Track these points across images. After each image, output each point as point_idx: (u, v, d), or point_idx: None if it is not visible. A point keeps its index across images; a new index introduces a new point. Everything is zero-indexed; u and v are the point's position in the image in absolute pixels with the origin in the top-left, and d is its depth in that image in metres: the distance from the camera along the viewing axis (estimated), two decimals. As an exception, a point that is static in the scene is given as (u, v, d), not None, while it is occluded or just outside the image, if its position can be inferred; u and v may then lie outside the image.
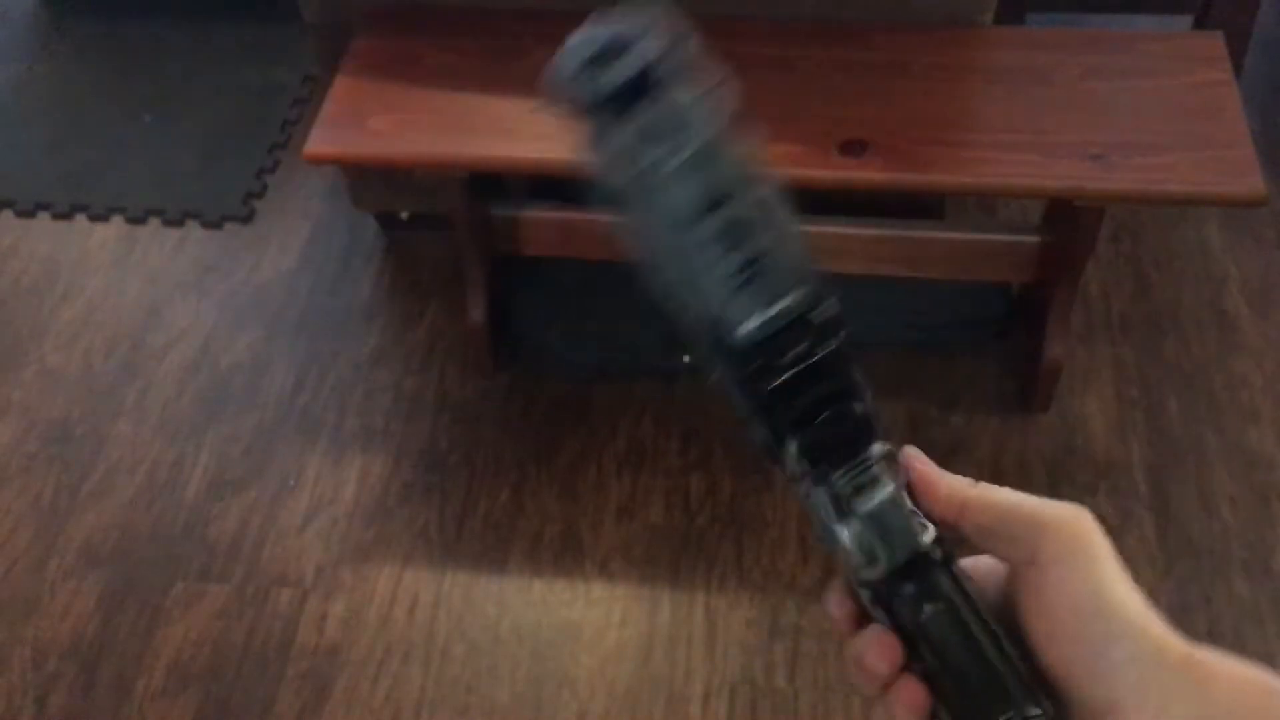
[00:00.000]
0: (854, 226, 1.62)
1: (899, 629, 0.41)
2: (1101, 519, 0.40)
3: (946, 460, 0.42)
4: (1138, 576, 0.40)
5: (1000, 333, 1.80)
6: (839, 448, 0.41)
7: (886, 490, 0.41)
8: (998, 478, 0.44)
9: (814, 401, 0.40)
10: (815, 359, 0.40)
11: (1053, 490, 1.04)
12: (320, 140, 1.52)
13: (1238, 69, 1.75)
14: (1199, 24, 2.00)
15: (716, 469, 1.66)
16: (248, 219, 2.05)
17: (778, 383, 0.40)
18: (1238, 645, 1.44)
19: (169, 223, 2.05)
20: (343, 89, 1.56)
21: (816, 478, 0.41)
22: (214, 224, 2.05)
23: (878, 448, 0.41)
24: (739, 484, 1.64)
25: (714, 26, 1.87)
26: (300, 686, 1.48)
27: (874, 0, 1.61)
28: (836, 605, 0.43)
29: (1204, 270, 1.89)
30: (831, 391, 0.40)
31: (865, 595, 0.41)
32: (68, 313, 1.93)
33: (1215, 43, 1.56)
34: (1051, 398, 1.70)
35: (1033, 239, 1.62)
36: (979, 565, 0.43)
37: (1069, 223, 1.54)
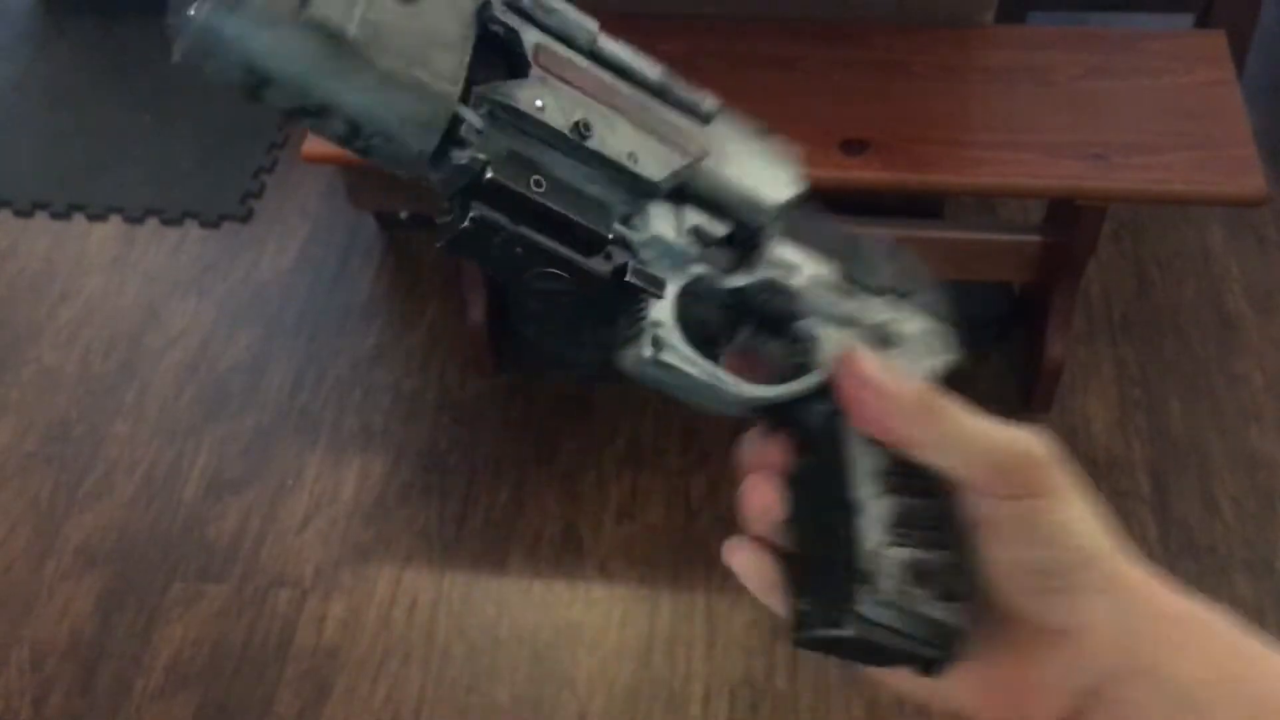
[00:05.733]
0: (853, 226, 1.62)
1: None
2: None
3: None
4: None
5: (1001, 333, 1.79)
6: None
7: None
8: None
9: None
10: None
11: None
12: (319, 140, 1.51)
13: (1239, 68, 1.74)
14: (1201, 23, 2.00)
15: (717, 469, 1.66)
16: (246, 218, 2.05)
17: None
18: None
19: (167, 222, 2.05)
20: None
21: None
22: (212, 223, 2.04)
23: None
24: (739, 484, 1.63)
25: (714, 25, 1.86)
26: (299, 687, 1.48)
27: (875, -1, 1.61)
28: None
29: (1206, 270, 1.88)
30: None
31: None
32: (66, 312, 1.92)
33: (1217, 42, 1.56)
34: (1053, 397, 1.70)
35: (1033, 239, 1.62)
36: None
37: (1070, 222, 1.53)
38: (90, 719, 1.46)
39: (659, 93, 0.42)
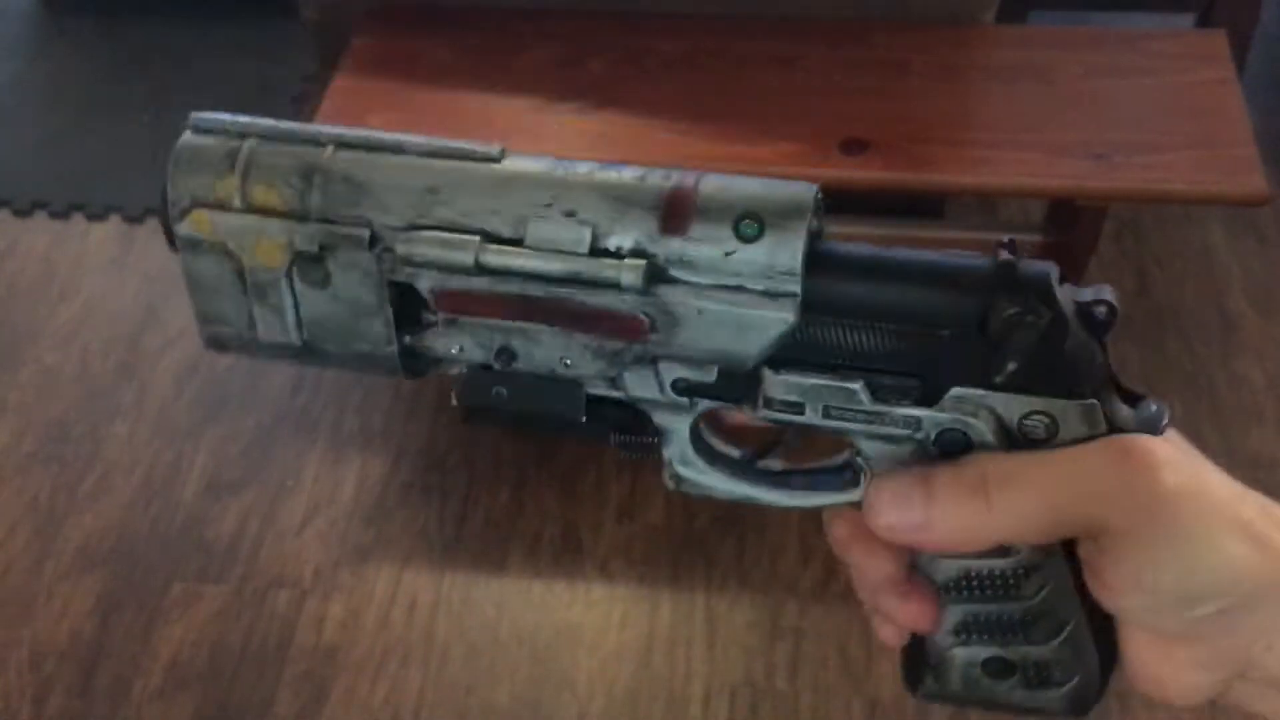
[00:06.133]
0: (854, 226, 1.61)
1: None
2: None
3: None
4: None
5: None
6: None
7: None
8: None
9: None
10: None
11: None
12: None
13: (1240, 67, 1.74)
14: (1202, 22, 2.00)
15: (717, 469, 1.65)
16: (246, 218, 2.04)
17: None
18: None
19: (167, 222, 2.04)
20: (342, 87, 1.55)
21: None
22: (212, 223, 2.04)
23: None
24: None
25: (715, 24, 1.86)
26: (299, 688, 1.47)
27: (875, -2, 1.60)
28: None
29: (1206, 270, 1.88)
30: None
31: None
32: (65, 312, 1.92)
33: (1218, 41, 1.56)
34: (1053, 398, 1.69)
35: (1034, 238, 1.61)
36: None
37: (1071, 222, 1.53)
38: (89, 720, 1.46)
39: (571, 281, 0.39)
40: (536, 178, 0.40)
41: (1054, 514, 0.38)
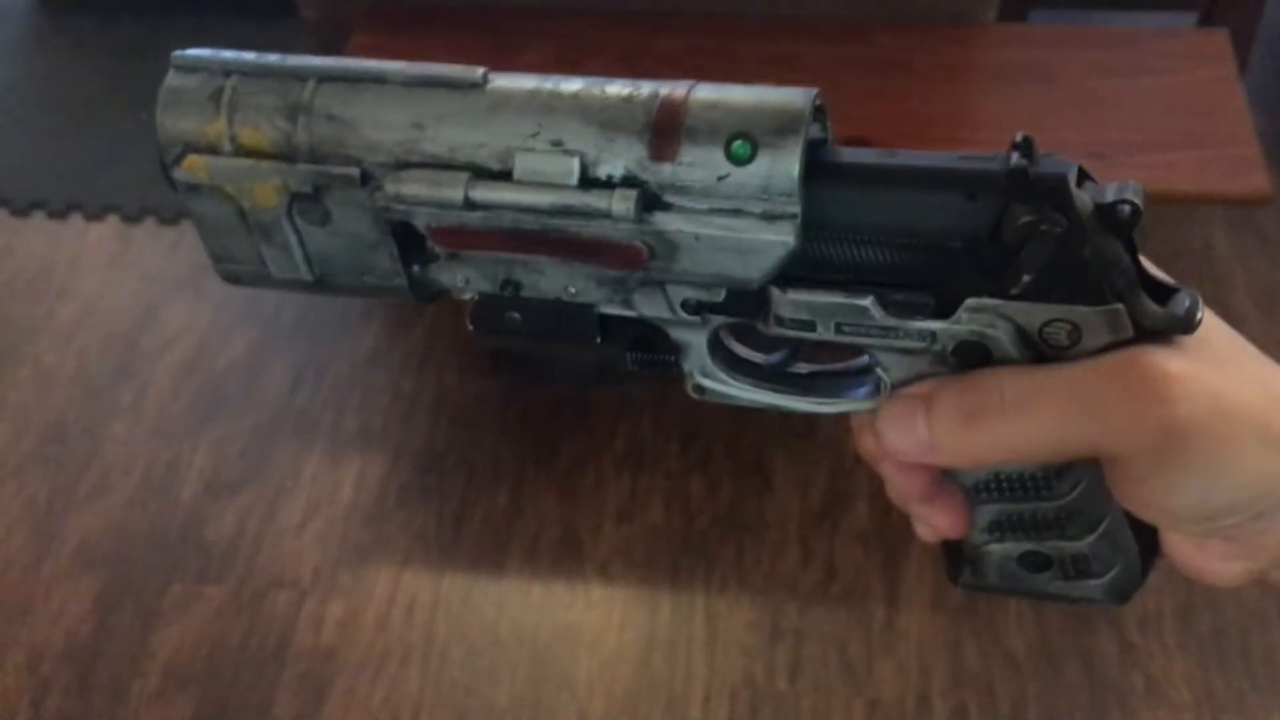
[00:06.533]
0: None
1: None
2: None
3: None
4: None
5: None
6: None
7: None
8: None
9: None
10: None
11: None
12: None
13: (1242, 66, 1.73)
14: (1203, 21, 1.99)
15: (716, 470, 1.65)
16: (245, 218, 2.04)
17: None
18: (1243, 647, 1.44)
19: (164, 221, 2.04)
20: (340, 87, 1.55)
21: None
22: (211, 223, 2.03)
23: None
24: (739, 485, 1.63)
25: (715, 23, 1.85)
26: (298, 689, 1.47)
27: (875, -3, 1.60)
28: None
29: (1209, 269, 1.88)
30: None
31: None
32: (63, 312, 1.92)
33: (1220, 40, 1.55)
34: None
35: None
36: None
37: (1072, 222, 1.52)
38: (87, 721, 1.46)
39: (563, 213, 0.39)
40: (521, 104, 0.38)
41: (1058, 443, 0.37)
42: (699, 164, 0.37)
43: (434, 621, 1.52)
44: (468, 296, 0.42)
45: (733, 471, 1.64)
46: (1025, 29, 1.81)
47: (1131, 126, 1.46)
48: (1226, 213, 1.94)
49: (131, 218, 2.05)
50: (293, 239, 0.42)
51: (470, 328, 0.43)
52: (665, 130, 0.37)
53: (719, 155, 0.37)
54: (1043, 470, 0.40)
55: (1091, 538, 0.41)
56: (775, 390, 0.42)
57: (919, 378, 0.39)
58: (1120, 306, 0.36)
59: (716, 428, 1.68)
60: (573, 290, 0.41)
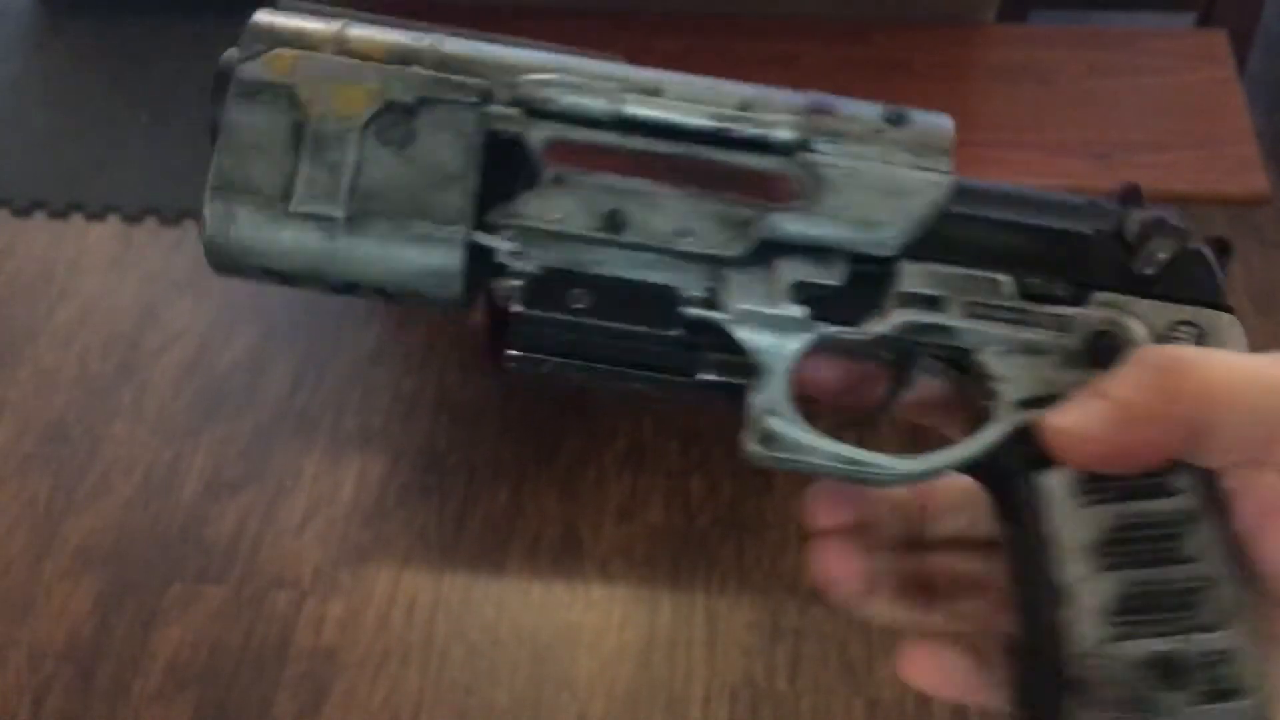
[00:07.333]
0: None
1: None
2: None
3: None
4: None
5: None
6: None
7: None
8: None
9: None
10: None
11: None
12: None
13: (1241, 67, 1.73)
14: (1203, 21, 1.99)
15: (717, 470, 1.65)
16: (245, 218, 2.04)
17: None
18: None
19: (165, 222, 2.04)
20: (340, 87, 1.55)
21: None
22: (211, 223, 2.04)
23: None
24: (740, 485, 1.63)
25: (714, 23, 1.84)
26: (298, 688, 1.47)
27: (875, -3, 1.60)
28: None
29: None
30: None
31: None
32: (63, 312, 1.92)
33: (1219, 40, 1.55)
34: (1054, 398, 1.69)
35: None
36: None
37: (1072, 222, 1.52)
38: (88, 721, 1.46)
39: (715, 140, 0.36)
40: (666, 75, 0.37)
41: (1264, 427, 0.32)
42: (858, 119, 0.39)
43: (434, 621, 1.52)
44: (513, 284, 0.37)
45: (733, 471, 1.65)
46: (1025, 29, 1.81)
47: (1130, 126, 1.46)
48: (1225, 213, 1.94)
49: (132, 218, 2.05)
50: (350, 159, 0.36)
51: (510, 310, 0.36)
52: (820, 103, 0.39)
53: (876, 115, 0.39)
54: (1173, 513, 0.33)
55: (1232, 627, 0.32)
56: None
57: (1044, 397, 0.35)
58: (1235, 316, 0.37)
59: (717, 427, 1.69)
60: (687, 232, 0.36)
